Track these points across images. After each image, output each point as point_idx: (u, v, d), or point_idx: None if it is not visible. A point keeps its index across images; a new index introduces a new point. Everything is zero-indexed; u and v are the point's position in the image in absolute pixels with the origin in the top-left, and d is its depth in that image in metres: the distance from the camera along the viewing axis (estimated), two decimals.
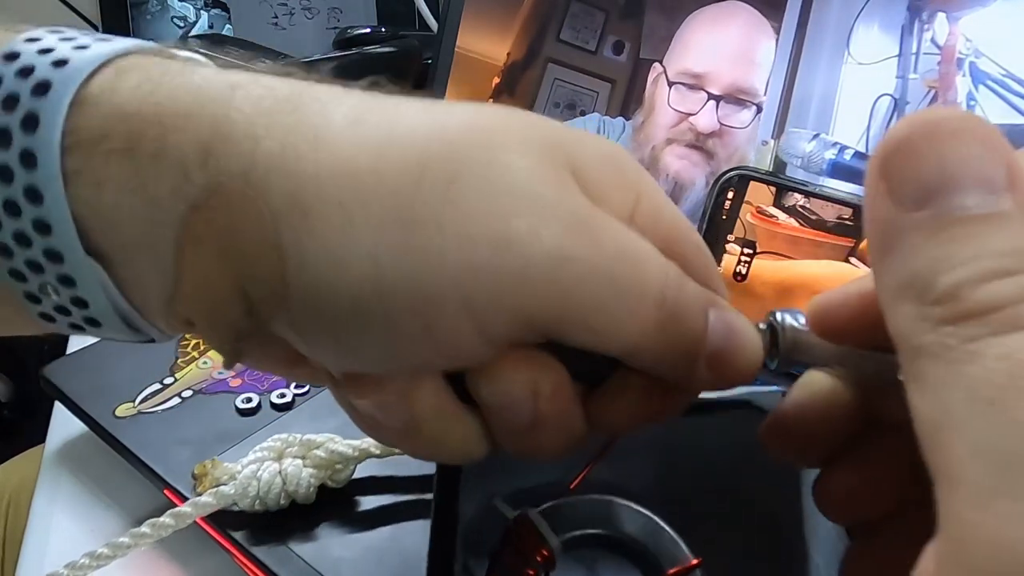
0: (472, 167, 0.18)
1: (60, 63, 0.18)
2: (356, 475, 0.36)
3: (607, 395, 0.21)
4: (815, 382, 0.20)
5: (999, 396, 0.11)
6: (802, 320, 0.20)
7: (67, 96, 0.18)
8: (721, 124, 0.52)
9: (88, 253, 0.18)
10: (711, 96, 0.52)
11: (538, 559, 0.28)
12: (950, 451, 0.12)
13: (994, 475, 0.11)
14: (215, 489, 0.34)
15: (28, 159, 0.17)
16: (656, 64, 0.56)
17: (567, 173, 0.19)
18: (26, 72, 0.18)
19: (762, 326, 0.20)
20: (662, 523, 0.29)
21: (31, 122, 0.17)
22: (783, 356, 0.20)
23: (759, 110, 0.51)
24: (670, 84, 0.54)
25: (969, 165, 0.13)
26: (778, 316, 0.20)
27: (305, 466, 0.35)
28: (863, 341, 0.18)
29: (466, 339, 0.18)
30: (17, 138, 0.17)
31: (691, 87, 0.53)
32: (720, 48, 0.53)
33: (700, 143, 0.53)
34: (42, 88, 0.18)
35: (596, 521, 0.30)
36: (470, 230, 0.17)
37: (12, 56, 0.18)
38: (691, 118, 0.53)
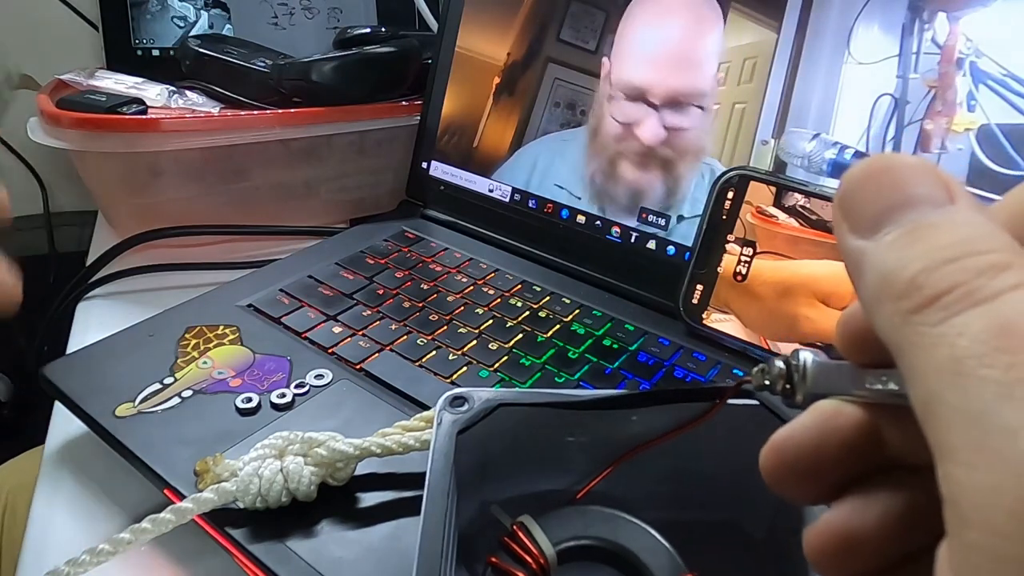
0: None
1: None
2: (356, 473, 0.36)
3: None
4: (823, 408, 0.19)
5: (962, 368, 0.13)
6: (816, 357, 0.19)
7: None
8: (667, 129, 0.52)
9: None
10: (652, 106, 0.52)
11: (533, 567, 0.28)
12: (936, 427, 0.13)
13: (969, 433, 0.12)
14: (217, 485, 0.34)
15: None
16: (605, 60, 0.55)
17: None
18: None
19: (779, 364, 0.20)
20: (659, 536, 0.29)
21: None
22: (804, 393, 0.19)
23: (703, 110, 0.51)
24: (614, 96, 0.54)
25: (914, 188, 0.15)
26: (795, 357, 0.19)
27: (306, 464, 0.35)
28: (879, 352, 0.18)
29: None
30: None
31: (632, 99, 0.53)
32: (658, 52, 0.52)
33: (651, 152, 0.53)
34: None
35: (593, 532, 0.30)
36: None
37: None
38: (635, 129, 0.53)
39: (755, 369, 0.21)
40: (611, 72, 0.55)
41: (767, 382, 0.20)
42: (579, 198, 0.57)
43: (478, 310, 0.51)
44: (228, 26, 0.78)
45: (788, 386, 0.19)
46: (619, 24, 0.55)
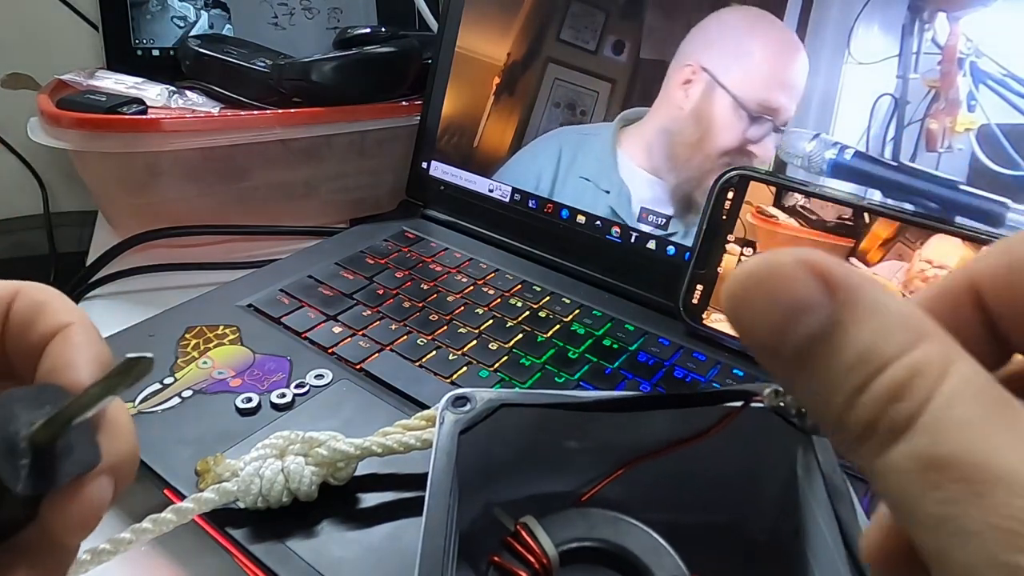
0: None
1: None
2: (357, 473, 0.36)
3: None
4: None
5: (905, 506, 0.13)
6: None
7: None
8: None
9: None
10: (777, 129, 0.52)
11: (535, 566, 0.28)
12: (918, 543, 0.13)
13: (935, 564, 0.12)
14: (218, 485, 0.34)
15: None
16: (695, 65, 0.54)
17: None
18: None
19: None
20: (660, 539, 0.29)
21: None
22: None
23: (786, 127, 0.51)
24: (752, 117, 0.52)
25: (791, 295, 0.13)
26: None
27: (307, 464, 0.35)
28: None
29: None
30: None
31: (758, 120, 0.52)
32: (784, 75, 0.51)
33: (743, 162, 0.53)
34: None
35: (595, 534, 0.30)
36: None
37: None
38: (752, 147, 0.52)
39: (767, 390, 0.21)
40: (727, 84, 0.53)
41: (781, 404, 0.20)
42: (607, 192, 0.57)
43: (478, 310, 0.51)
44: (228, 26, 0.78)
45: (803, 409, 0.20)
46: (701, 29, 0.53)
